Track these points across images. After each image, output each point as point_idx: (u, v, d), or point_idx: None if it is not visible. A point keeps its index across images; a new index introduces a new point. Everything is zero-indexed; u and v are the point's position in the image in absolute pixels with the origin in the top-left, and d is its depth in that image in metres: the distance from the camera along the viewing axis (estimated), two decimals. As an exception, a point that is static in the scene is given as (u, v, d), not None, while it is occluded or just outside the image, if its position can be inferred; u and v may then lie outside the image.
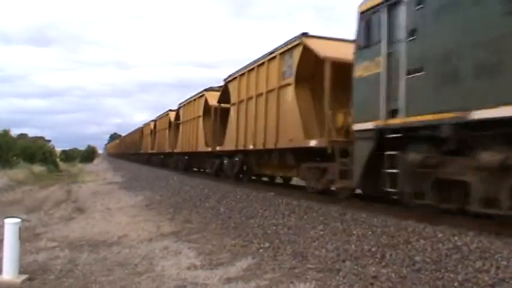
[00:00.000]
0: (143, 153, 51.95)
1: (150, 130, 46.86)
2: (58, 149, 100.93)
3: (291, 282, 7.17)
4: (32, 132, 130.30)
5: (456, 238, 7.05)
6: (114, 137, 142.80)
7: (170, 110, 37.90)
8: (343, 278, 7.06)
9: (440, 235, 7.33)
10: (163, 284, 7.67)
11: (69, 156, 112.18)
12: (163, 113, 41.22)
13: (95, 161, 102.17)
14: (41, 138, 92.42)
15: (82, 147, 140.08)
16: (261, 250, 9.36)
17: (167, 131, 37.77)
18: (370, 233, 8.51)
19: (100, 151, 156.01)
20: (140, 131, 55.52)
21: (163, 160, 40.55)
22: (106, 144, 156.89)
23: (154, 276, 8.17)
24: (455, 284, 5.94)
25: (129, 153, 68.30)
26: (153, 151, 44.74)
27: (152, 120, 47.31)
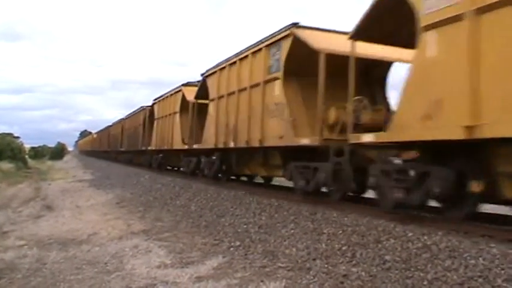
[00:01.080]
0: (148, 151, 29.97)
1: (171, 109, 24.02)
2: (27, 146, 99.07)
3: (262, 281, 7.16)
4: (0, 129, 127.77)
5: (426, 237, 7.07)
6: (84, 134, 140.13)
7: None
8: (314, 277, 7.07)
9: (410, 234, 7.35)
10: (133, 283, 7.59)
11: (38, 153, 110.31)
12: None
13: (65, 158, 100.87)
14: (10, 134, 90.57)
15: (52, 144, 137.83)
16: (231, 249, 9.34)
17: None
18: (340, 232, 8.50)
19: (70, 148, 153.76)
20: (143, 113, 32.64)
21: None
22: (77, 141, 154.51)
23: (124, 274, 8.08)
24: (425, 283, 5.97)
25: (116, 151, 45.31)
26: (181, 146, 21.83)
27: (177, 90, 23.03)
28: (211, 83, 17.68)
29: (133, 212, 15.27)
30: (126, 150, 39.05)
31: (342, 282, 6.68)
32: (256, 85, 13.53)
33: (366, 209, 9.95)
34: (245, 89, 14.30)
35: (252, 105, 13.80)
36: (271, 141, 12.64)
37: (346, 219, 9.06)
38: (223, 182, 17.22)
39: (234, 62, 15.31)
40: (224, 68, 16.22)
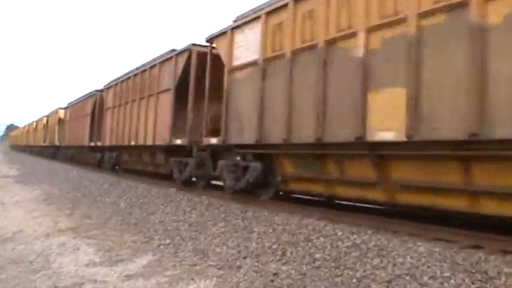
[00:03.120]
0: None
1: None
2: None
3: (192, 279, 6.97)
4: None
5: (355, 236, 7.12)
6: (11, 127, 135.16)
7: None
8: (244, 275, 6.93)
9: (340, 233, 7.38)
10: (60, 282, 7.26)
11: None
12: None
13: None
14: None
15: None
16: (161, 246, 9.10)
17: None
18: (271, 230, 8.45)
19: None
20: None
21: None
22: (4, 135, 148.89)
23: (51, 273, 7.72)
24: (354, 281, 5.95)
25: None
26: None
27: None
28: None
29: (61, 208, 14.76)
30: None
31: (272, 281, 6.58)
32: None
33: (297, 207, 9.96)
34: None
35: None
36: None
37: (276, 217, 9.04)
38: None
39: None
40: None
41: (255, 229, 8.75)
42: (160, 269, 7.68)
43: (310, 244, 7.39)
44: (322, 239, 7.41)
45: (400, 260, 6.07)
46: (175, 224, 10.50)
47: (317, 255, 6.93)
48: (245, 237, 8.53)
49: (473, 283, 5.19)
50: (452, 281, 5.32)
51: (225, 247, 8.32)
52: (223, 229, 9.31)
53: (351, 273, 6.17)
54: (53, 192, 18.97)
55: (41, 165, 36.50)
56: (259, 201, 11.10)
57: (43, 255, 8.95)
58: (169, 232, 10.00)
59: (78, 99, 31.23)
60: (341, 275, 6.20)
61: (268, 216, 9.28)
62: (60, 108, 37.15)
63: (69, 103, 34.26)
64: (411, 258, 6.03)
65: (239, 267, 7.28)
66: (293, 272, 6.68)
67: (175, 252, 8.60)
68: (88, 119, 27.21)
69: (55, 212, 14.10)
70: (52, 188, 20.52)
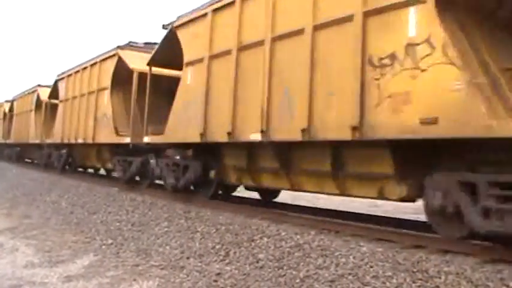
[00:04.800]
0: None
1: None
2: None
3: (134, 280, 6.83)
4: None
5: (298, 236, 7.05)
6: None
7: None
8: (187, 276, 6.81)
9: (283, 233, 7.30)
10: (-4, 284, 6.99)
11: None
12: None
13: None
14: None
15: None
16: (103, 247, 8.88)
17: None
18: (214, 230, 8.30)
19: None
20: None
21: None
22: None
23: (-14, 276, 7.42)
24: (297, 281, 5.88)
25: None
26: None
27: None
28: None
29: (-1, 208, 14.32)
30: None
31: (215, 281, 6.47)
32: None
33: (240, 208, 9.88)
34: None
35: None
36: None
37: (220, 217, 8.90)
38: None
39: None
40: None
41: (199, 229, 8.59)
42: (102, 270, 7.49)
43: (253, 244, 7.28)
44: (265, 239, 7.31)
45: (343, 260, 6.03)
46: (118, 223, 10.25)
47: (260, 256, 6.83)
48: (188, 237, 8.36)
49: (414, 282, 5.19)
50: (394, 280, 5.31)
51: (168, 247, 8.16)
52: (166, 229, 9.11)
53: (294, 273, 6.09)
54: (-11, 192, 18.37)
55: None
56: (202, 201, 10.91)
57: (-22, 257, 8.61)
58: (112, 232, 9.76)
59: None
60: (284, 275, 6.12)
61: (211, 216, 9.13)
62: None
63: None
64: (354, 258, 5.99)
65: (182, 268, 7.15)
66: (236, 272, 6.59)
67: (118, 253, 8.39)
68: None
69: (-8, 212, 13.66)
70: (-12, 187, 19.86)
